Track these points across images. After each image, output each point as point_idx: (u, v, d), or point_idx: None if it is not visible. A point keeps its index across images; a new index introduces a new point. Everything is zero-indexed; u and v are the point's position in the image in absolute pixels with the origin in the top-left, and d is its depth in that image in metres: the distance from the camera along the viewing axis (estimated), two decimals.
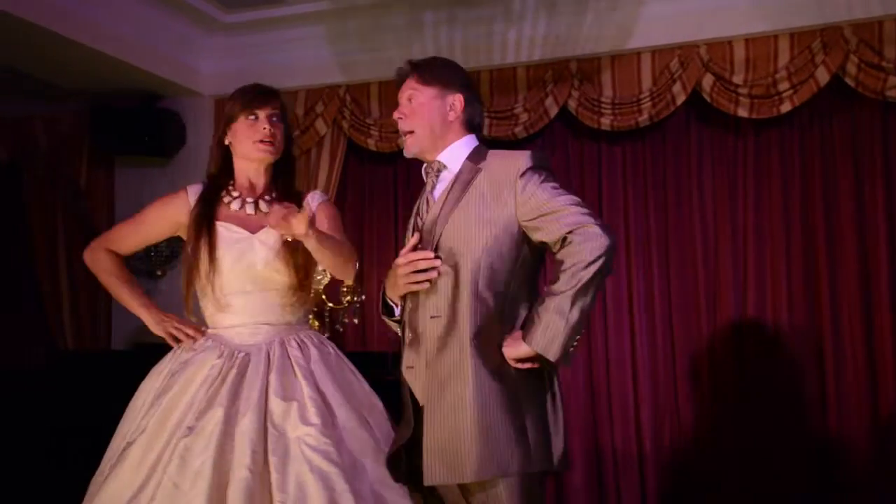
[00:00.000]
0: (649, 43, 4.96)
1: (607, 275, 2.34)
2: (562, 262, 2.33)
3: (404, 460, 2.50)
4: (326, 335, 4.83)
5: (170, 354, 2.71)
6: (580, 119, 5.08)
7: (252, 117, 2.72)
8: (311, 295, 2.87)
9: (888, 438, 4.58)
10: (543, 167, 2.46)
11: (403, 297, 2.56)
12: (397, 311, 2.60)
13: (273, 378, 2.53)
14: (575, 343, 2.33)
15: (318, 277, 4.70)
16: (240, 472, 2.34)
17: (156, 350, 2.75)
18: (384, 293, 2.63)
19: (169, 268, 5.61)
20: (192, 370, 2.58)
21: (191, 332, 2.70)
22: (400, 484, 2.49)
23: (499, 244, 2.42)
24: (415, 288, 2.46)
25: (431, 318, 2.44)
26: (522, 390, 2.40)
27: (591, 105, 5.05)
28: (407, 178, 5.55)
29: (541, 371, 2.42)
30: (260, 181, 2.80)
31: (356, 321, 5.00)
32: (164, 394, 2.55)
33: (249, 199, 2.76)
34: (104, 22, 4.98)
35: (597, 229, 2.31)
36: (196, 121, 5.75)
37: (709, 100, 4.86)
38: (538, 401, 2.44)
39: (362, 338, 5.49)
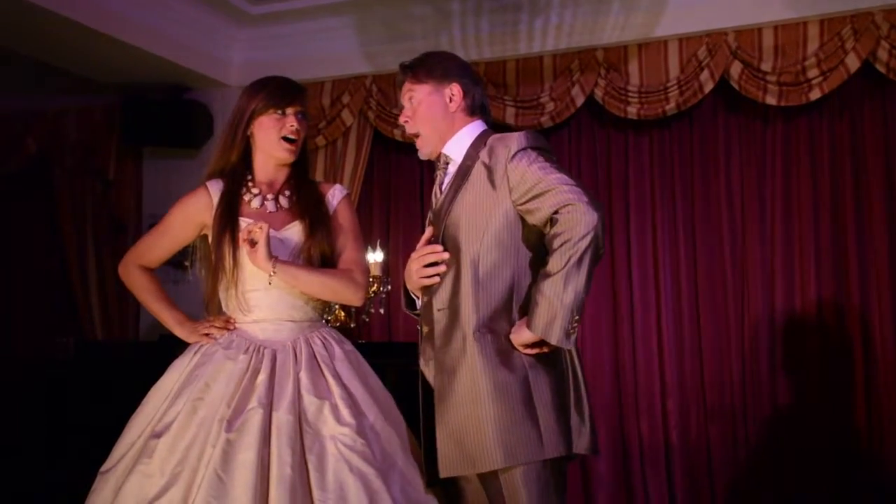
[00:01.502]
0: (677, 31, 4.89)
1: (599, 251, 2.28)
2: (552, 243, 2.28)
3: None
4: (353, 325, 4.81)
5: (190, 349, 2.66)
6: (607, 108, 5.01)
7: (279, 112, 2.68)
8: None
9: None
10: (536, 147, 2.40)
11: (422, 291, 2.54)
12: (419, 304, 2.58)
13: (303, 375, 2.50)
14: (575, 324, 2.27)
15: None
16: (282, 469, 2.31)
17: (183, 341, 2.71)
18: (405, 287, 2.61)
19: (197, 258, 5.58)
20: (218, 364, 2.54)
21: (220, 324, 2.66)
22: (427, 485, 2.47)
23: (498, 231, 2.38)
24: (426, 282, 2.45)
25: (438, 310, 2.43)
26: (535, 376, 2.35)
27: (618, 94, 4.97)
28: (433, 168, 5.50)
29: (556, 355, 2.38)
30: (280, 176, 2.75)
31: (382, 311, 4.95)
32: (188, 387, 2.51)
33: (269, 196, 2.71)
34: (133, 15, 4.98)
35: (583, 206, 2.25)
36: (224, 112, 5.71)
37: (737, 87, 4.78)
38: (553, 386, 2.38)
39: (388, 328, 5.45)
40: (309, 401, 2.44)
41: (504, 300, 2.38)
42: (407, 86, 2.57)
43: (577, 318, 2.27)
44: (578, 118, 5.22)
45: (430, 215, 2.60)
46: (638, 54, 4.99)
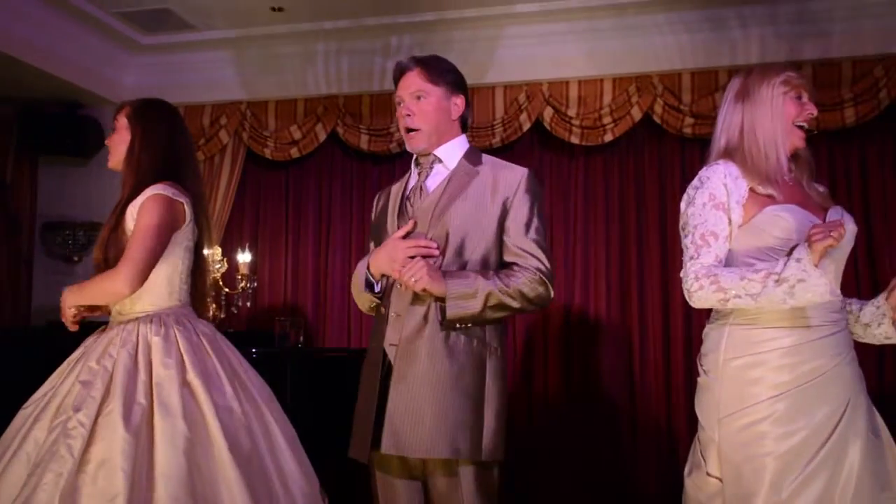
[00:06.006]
0: (501, 79, 5.52)
1: (523, 311, 2.46)
2: (514, 272, 2.42)
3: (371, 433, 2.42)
4: (223, 316, 5.14)
5: None
6: None
7: None
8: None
9: (677, 411, 5.19)
10: (538, 189, 2.53)
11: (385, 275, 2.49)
12: (377, 287, 2.51)
13: (83, 363, 2.50)
14: (462, 316, 2.35)
15: (217, 266, 4.99)
16: (23, 448, 2.38)
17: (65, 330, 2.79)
18: (368, 269, 2.52)
19: (85, 254, 5.79)
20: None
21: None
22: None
23: (488, 242, 2.46)
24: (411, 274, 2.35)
25: (417, 299, 2.40)
26: (488, 379, 2.40)
27: None
28: (297, 182, 6.01)
29: (505, 364, 2.48)
30: None
31: (248, 304, 5.29)
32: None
33: None
34: (35, 38, 5.24)
35: (551, 288, 2.43)
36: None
37: (549, 128, 5.44)
38: (499, 391, 2.42)
39: (253, 318, 5.79)
40: (76, 387, 2.42)
41: None
42: (418, 82, 2.50)
43: (469, 317, 2.35)
44: None
45: (405, 206, 2.54)
46: (470, 97, 5.45)
